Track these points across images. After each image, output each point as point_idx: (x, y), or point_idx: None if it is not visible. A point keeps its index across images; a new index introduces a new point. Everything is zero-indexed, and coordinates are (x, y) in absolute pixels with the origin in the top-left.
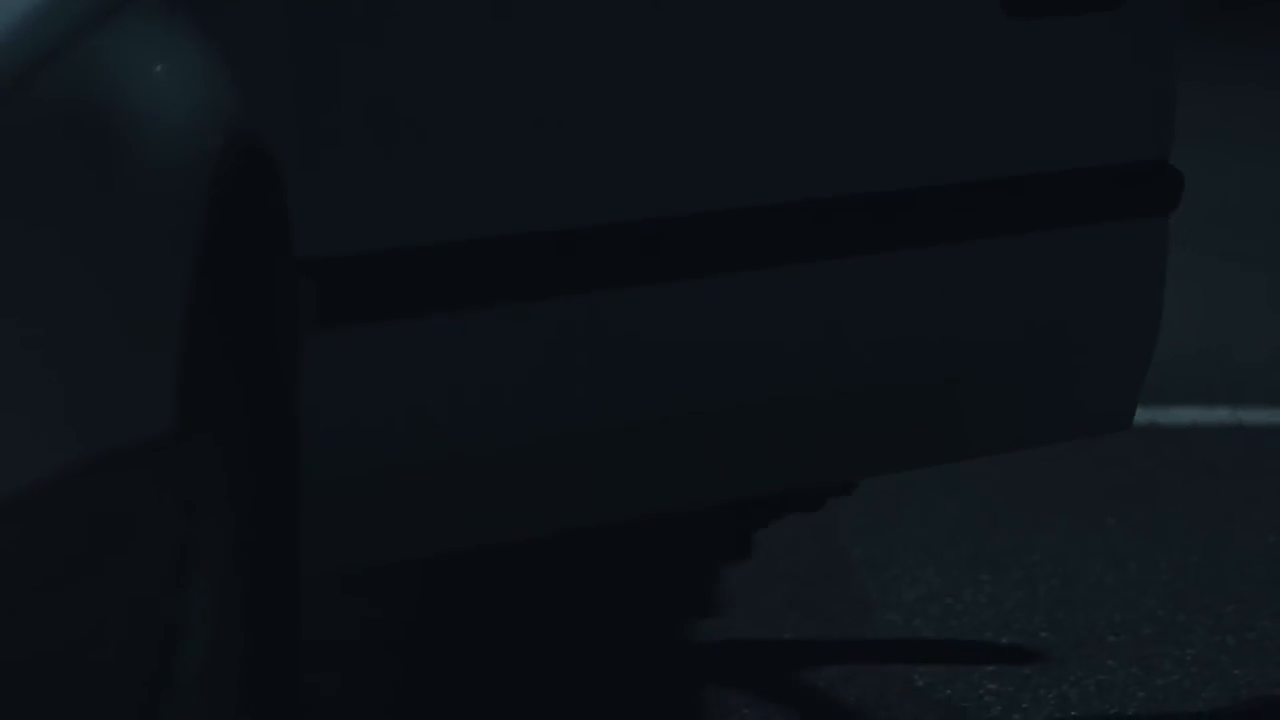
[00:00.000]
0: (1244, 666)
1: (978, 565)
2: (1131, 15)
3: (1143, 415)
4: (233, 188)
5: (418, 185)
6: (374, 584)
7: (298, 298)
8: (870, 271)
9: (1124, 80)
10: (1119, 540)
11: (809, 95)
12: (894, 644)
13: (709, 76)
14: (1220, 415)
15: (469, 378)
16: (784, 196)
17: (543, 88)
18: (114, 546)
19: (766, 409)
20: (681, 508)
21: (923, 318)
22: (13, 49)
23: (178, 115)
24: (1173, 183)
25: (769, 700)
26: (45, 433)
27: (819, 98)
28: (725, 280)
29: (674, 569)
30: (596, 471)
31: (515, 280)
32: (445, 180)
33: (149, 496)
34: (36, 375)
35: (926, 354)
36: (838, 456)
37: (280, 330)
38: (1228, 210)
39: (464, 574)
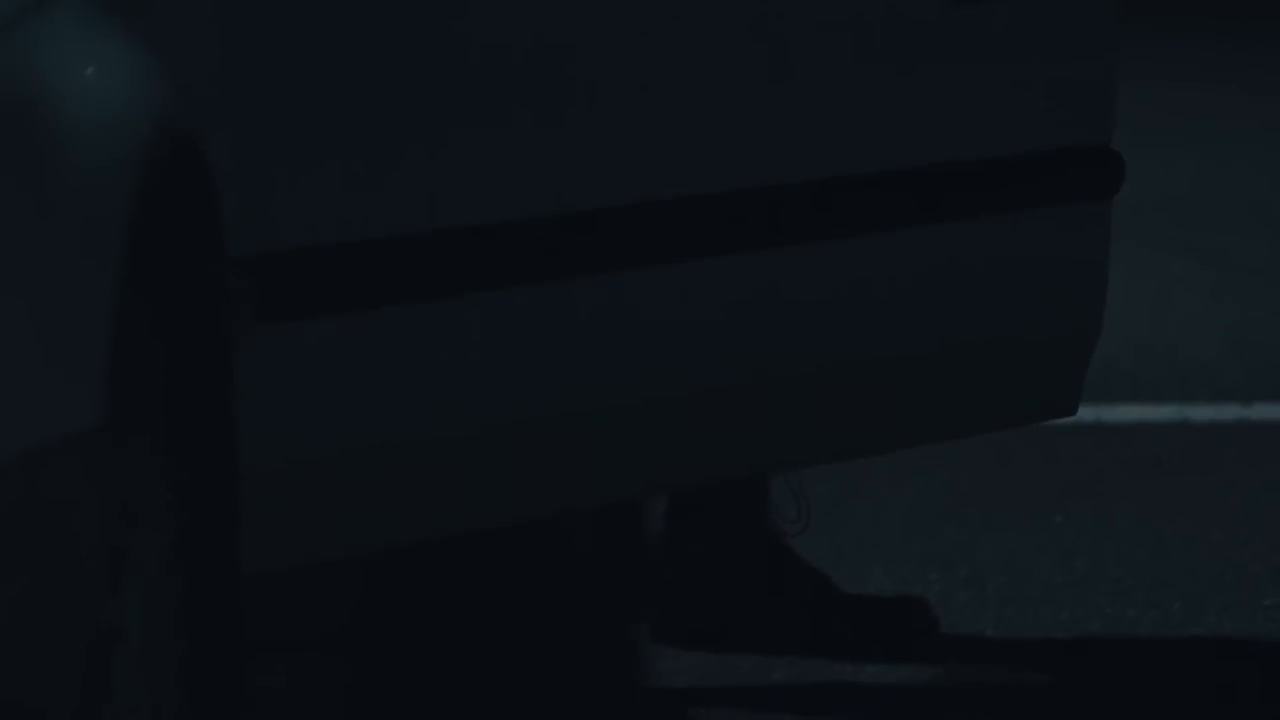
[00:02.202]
0: (1192, 662)
1: (926, 564)
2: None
3: (1090, 412)
4: (162, 183)
5: (354, 179)
6: (315, 583)
7: (232, 294)
8: (807, 260)
9: (1065, 65)
10: (1067, 537)
11: (746, 86)
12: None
13: (661, 66)
14: (1167, 411)
15: (412, 371)
16: (719, 186)
17: (482, 74)
18: (43, 546)
19: (709, 398)
20: (651, 493)
21: (863, 305)
22: None
23: (105, 110)
24: (1115, 167)
25: (714, 699)
26: None
27: (758, 88)
28: (676, 269)
29: (620, 565)
30: (547, 462)
31: (459, 272)
32: (383, 172)
33: (79, 494)
34: None
35: (867, 341)
36: (777, 446)
37: (214, 328)
38: (1174, 204)
39: (407, 570)
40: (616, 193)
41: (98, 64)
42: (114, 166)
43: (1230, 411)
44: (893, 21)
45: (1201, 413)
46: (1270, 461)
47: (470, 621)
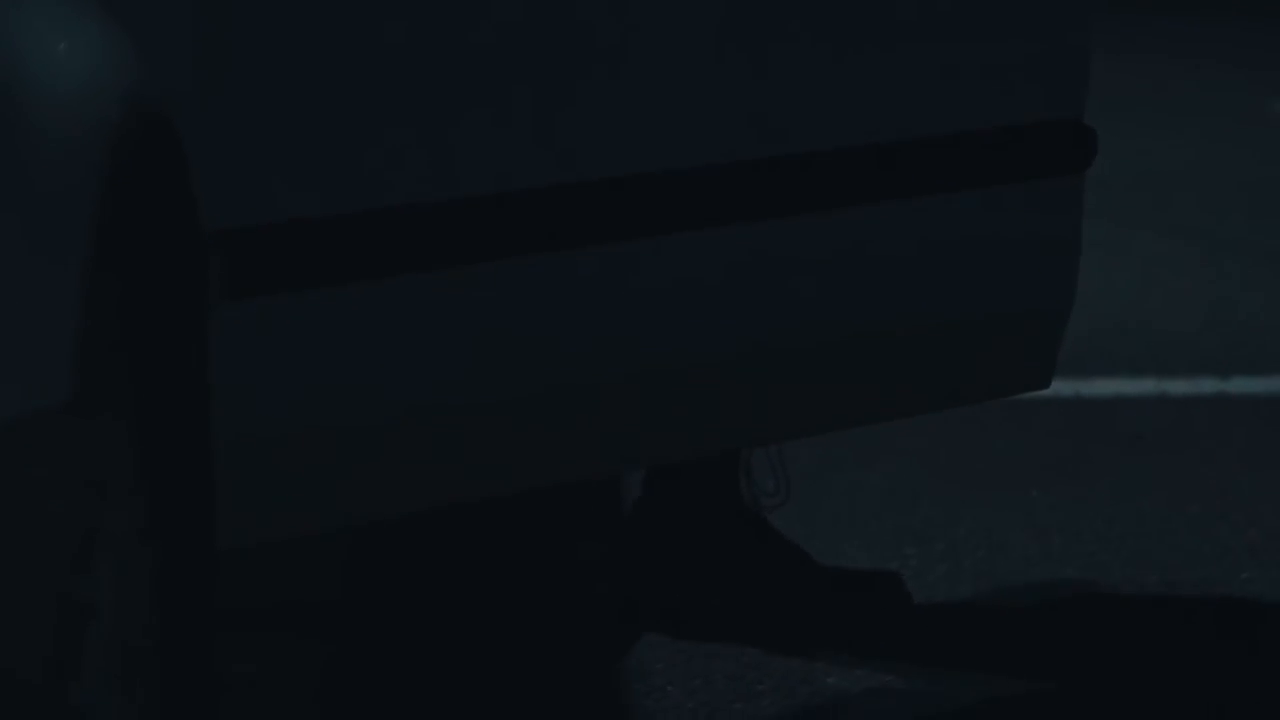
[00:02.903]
0: (1168, 637)
1: (902, 539)
2: None
3: (1067, 387)
4: (133, 157)
5: (328, 154)
6: (293, 562)
7: (204, 270)
8: (777, 236)
9: (1037, 38)
10: (1043, 512)
11: (719, 61)
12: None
13: (635, 38)
14: (1145, 386)
15: (387, 346)
16: (690, 163)
17: (459, 48)
18: (14, 524)
19: (683, 373)
20: (630, 467)
21: (835, 280)
22: None
23: (76, 84)
24: (1087, 141)
25: (695, 674)
26: None
27: (731, 63)
28: (647, 245)
29: (595, 543)
30: (524, 438)
31: (435, 247)
32: (357, 147)
33: (49, 471)
34: None
35: (840, 316)
36: (751, 421)
37: (185, 303)
38: (1150, 181)
39: (385, 553)
40: (589, 168)
41: (70, 38)
42: (84, 141)
43: (1208, 386)
44: None
45: (1179, 387)
46: (1248, 436)
47: (453, 606)
